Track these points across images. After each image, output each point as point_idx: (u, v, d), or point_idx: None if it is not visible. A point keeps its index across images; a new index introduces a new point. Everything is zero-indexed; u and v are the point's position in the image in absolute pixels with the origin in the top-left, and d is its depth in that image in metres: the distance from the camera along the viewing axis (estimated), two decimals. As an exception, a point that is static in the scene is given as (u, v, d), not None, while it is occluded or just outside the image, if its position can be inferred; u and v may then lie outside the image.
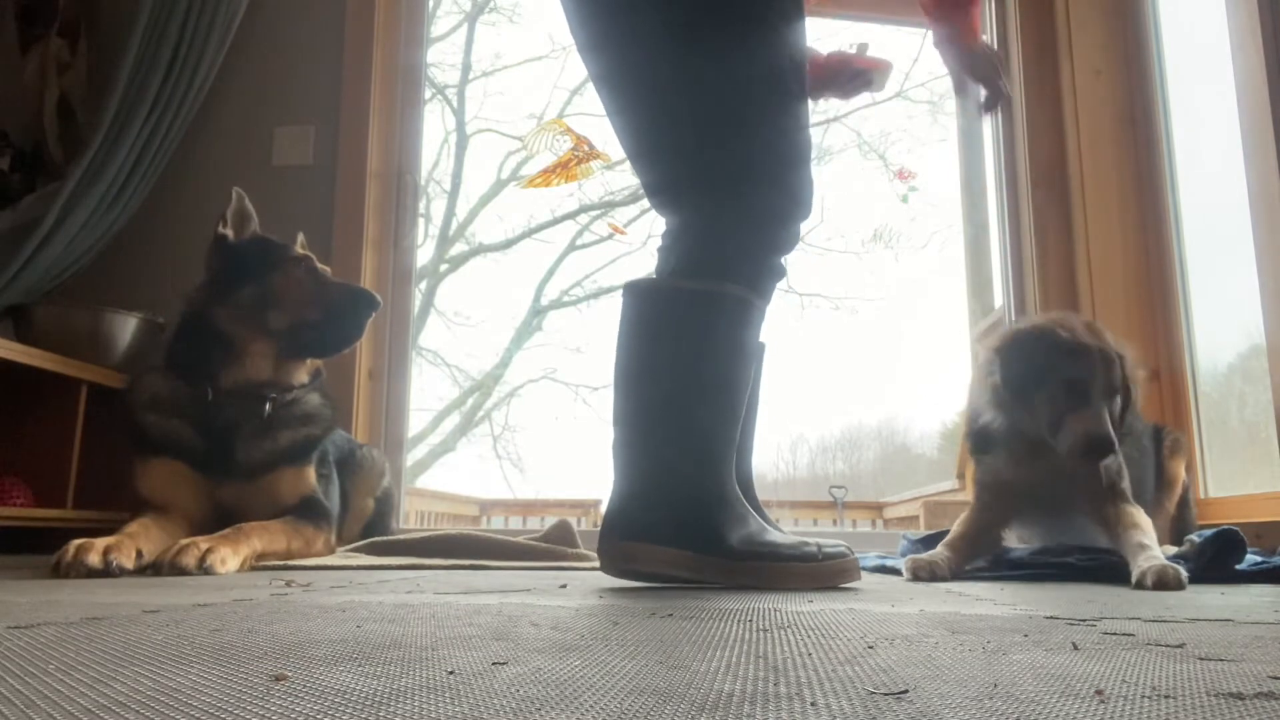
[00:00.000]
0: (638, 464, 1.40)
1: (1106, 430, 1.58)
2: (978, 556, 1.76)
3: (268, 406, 1.91)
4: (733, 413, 1.42)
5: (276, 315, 1.95)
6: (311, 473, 2.00)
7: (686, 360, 1.40)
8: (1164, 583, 1.35)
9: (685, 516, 1.35)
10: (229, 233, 2.02)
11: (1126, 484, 1.71)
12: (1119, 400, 1.67)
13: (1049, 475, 1.72)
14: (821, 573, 1.37)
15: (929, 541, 1.93)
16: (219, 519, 1.83)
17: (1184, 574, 1.37)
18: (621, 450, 1.42)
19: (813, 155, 1.57)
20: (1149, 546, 1.50)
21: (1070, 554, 1.73)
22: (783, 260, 1.53)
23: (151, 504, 1.81)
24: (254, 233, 2.07)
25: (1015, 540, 1.90)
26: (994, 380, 1.72)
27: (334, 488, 2.20)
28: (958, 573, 1.67)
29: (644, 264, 8.59)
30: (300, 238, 2.21)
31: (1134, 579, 1.41)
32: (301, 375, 2.02)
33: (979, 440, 1.83)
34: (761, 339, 1.71)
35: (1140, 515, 1.64)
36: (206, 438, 1.88)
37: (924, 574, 1.61)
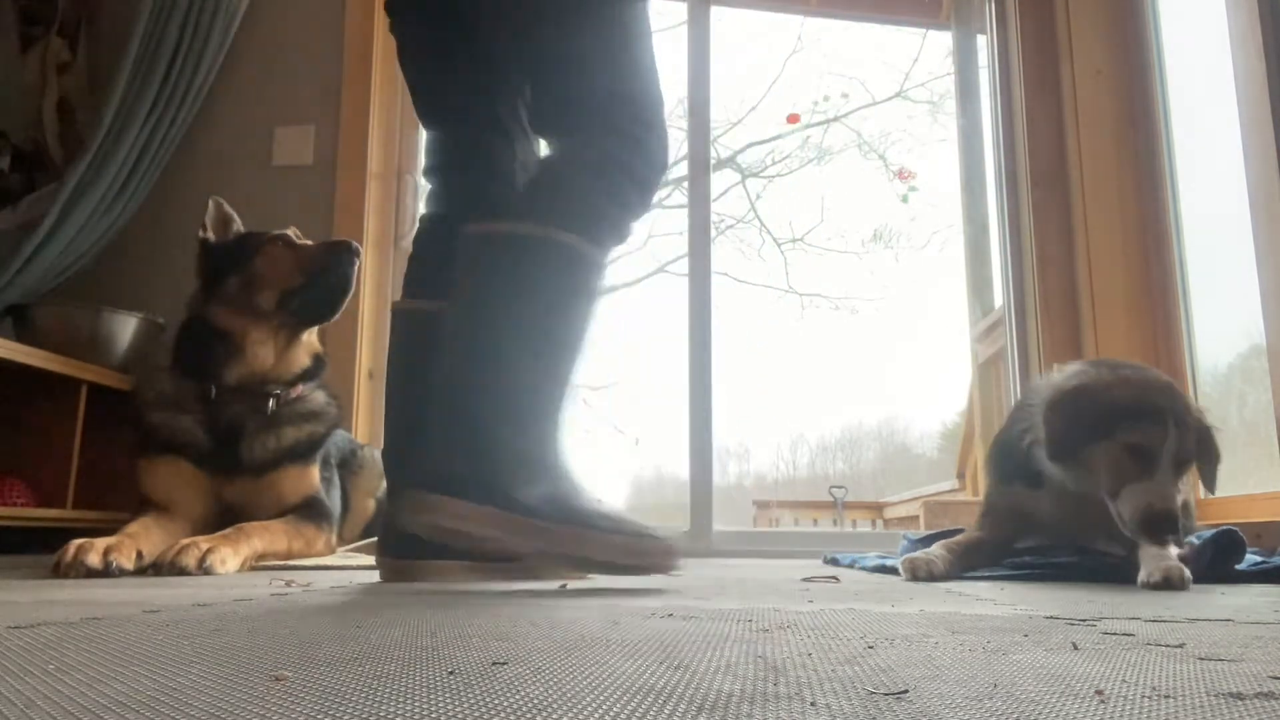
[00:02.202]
0: (451, 415, 1.30)
1: (1172, 506, 1.44)
2: (977, 565, 1.75)
3: (271, 403, 1.92)
4: (560, 372, 1.34)
5: (265, 295, 1.97)
6: (315, 472, 2.01)
7: (512, 310, 1.31)
8: (1169, 583, 1.35)
9: (493, 472, 1.26)
10: (210, 236, 2.05)
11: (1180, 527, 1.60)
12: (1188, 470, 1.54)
13: (1077, 512, 1.65)
14: (633, 549, 1.28)
15: (928, 541, 1.93)
16: (222, 518, 1.83)
17: (1189, 575, 1.37)
18: (437, 400, 1.32)
19: (662, 106, 1.51)
20: (1164, 550, 1.49)
21: (1073, 554, 1.73)
22: (633, 217, 1.45)
23: (155, 503, 1.82)
24: (236, 232, 2.09)
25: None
26: (1036, 438, 1.59)
27: (335, 489, 2.20)
28: (953, 573, 1.66)
29: (644, 264, 8.58)
30: (292, 230, 2.22)
31: (1140, 578, 1.41)
32: (303, 359, 2.03)
33: (1004, 469, 1.77)
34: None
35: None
36: (212, 435, 1.89)
37: (922, 573, 1.61)
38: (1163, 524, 1.43)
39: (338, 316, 2.09)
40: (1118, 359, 1.78)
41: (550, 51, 1.43)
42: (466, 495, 1.24)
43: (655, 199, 1.50)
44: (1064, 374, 1.66)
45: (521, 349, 1.30)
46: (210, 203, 2.10)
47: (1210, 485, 1.59)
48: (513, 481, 1.26)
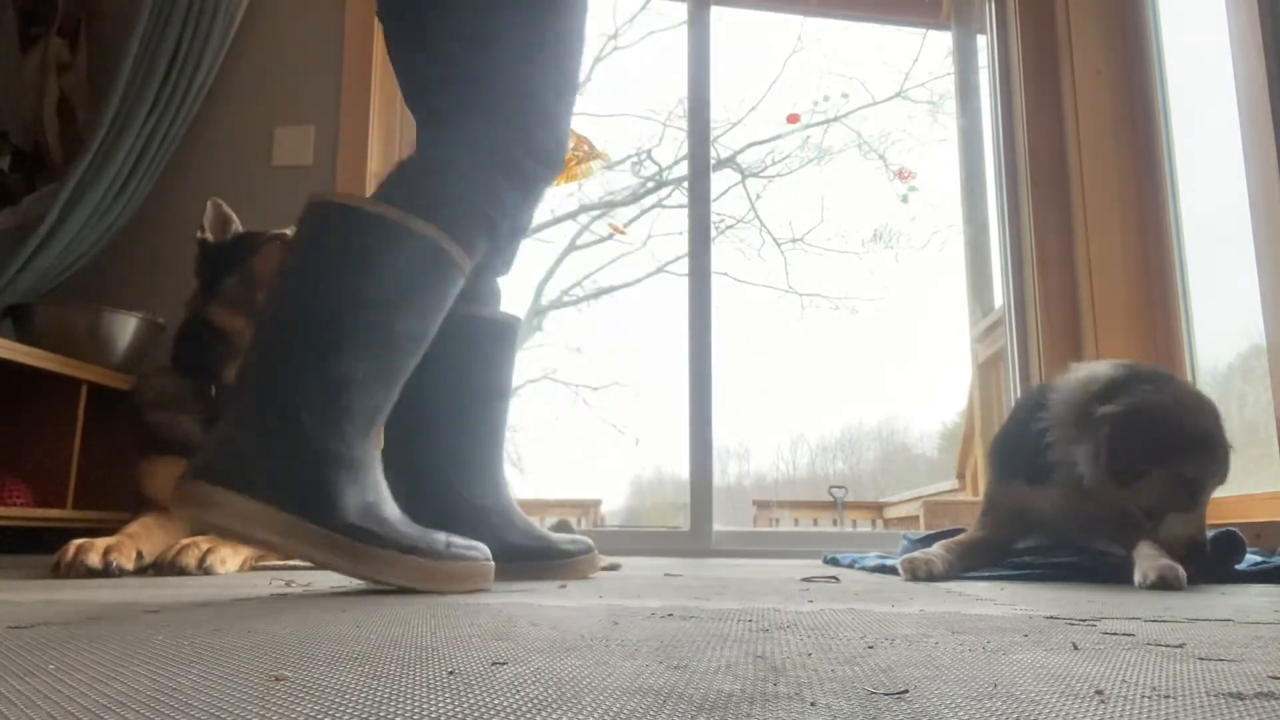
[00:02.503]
0: (253, 401, 1.15)
1: (1205, 536, 1.52)
2: (977, 565, 1.74)
3: None
4: (388, 372, 1.20)
5: (263, 295, 1.96)
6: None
7: (344, 296, 1.17)
8: (1164, 583, 1.35)
9: (289, 471, 1.11)
10: (209, 236, 2.06)
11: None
12: None
13: (1079, 509, 1.65)
14: (437, 572, 1.18)
15: (928, 542, 1.93)
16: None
17: (1183, 574, 1.37)
18: (244, 381, 1.17)
19: (569, 110, 1.43)
20: (1157, 549, 1.50)
21: (1072, 554, 1.73)
22: (508, 221, 1.37)
23: (156, 503, 1.82)
24: (235, 232, 2.10)
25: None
26: (1096, 454, 1.55)
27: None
28: (953, 573, 1.66)
29: (644, 264, 8.59)
30: (291, 230, 2.22)
31: (1136, 579, 1.41)
32: None
33: (1006, 467, 1.77)
34: (515, 314, 1.61)
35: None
36: None
37: (921, 572, 1.61)
38: (1198, 552, 1.51)
39: None
40: (1141, 363, 1.76)
41: (469, 27, 1.38)
42: (256, 492, 1.09)
43: (536, 208, 1.43)
44: (1093, 376, 1.65)
45: (351, 340, 1.17)
46: (209, 204, 2.10)
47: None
48: (316, 484, 1.12)
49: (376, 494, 1.18)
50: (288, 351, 1.16)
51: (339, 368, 1.15)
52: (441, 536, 1.22)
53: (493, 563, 1.27)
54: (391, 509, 1.19)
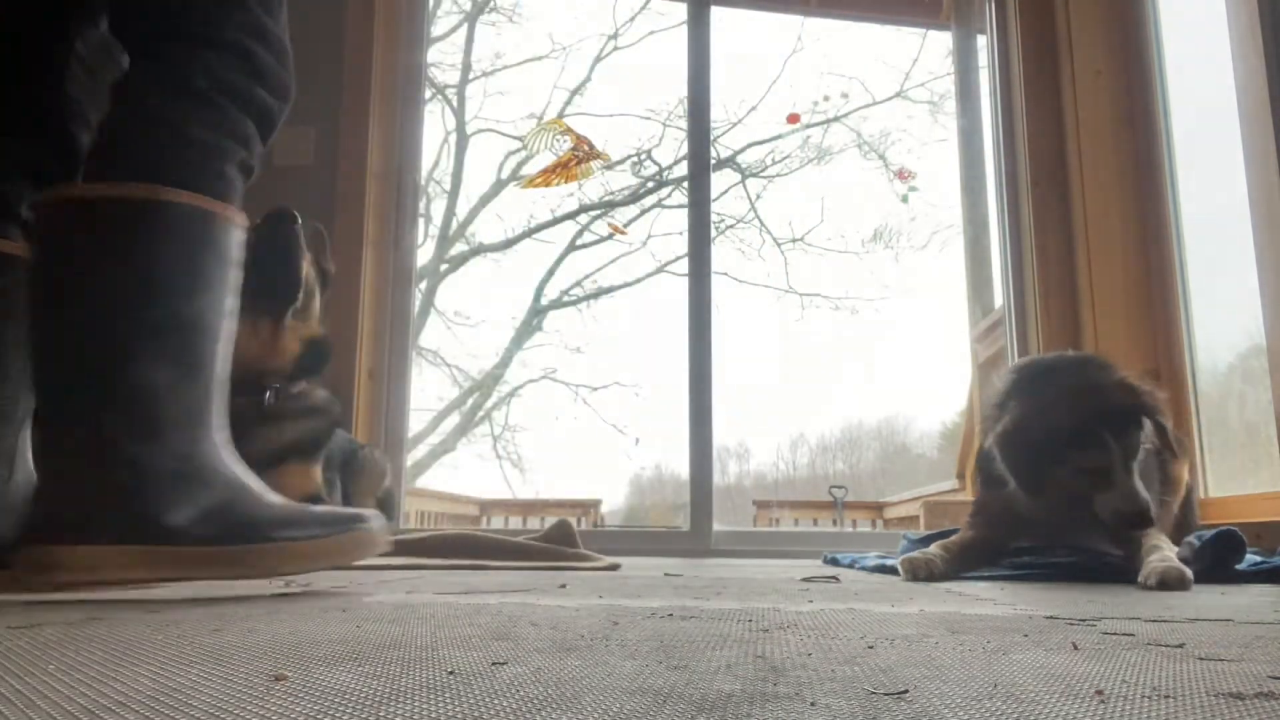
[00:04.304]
0: (66, 439, 1.06)
1: (1140, 505, 1.52)
2: (975, 565, 1.74)
3: (269, 396, 1.91)
4: (198, 360, 1.11)
5: None
6: (318, 471, 2.01)
7: (123, 299, 1.08)
8: (1167, 583, 1.35)
9: (129, 500, 1.03)
10: None
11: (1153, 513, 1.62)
12: (1145, 449, 1.60)
13: (1061, 511, 1.67)
14: (322, 550, 1.13)
15: (927, 542, 1.92)
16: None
17: (1189, 574, 1.37)
18: (46, 424, 1.08)
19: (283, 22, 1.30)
20: (1161, 548, 1.49)
21: (1072, 554, 1.73)
22: (255, 161, 1.22)
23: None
24: None
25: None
26: (1002, 472, 1.64)
27: (336, 491, 2.21)
28: (952, 573, 1.66)
29: (644, 264, 8.59)
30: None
31: (1140, 578, 1.41)
32: (293, 346, 1.97)
33: (992, 473, 1.76)
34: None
35: (1161, 536, 1.58)
36: None
37: (921, 572, 1.61)
38: (1135, 522, 1.53)
39: (302, 294, 1.99)
40: (1040, 357, 1.82)
41: None
42: (98, 536, 1.01)
43: (278, 129, 1.27)
44: (988, 394, 1.74)
45: (143, 343, 1.08)
46: None
47: (1171, 450, 1.69)
48: (159, 506, 1.04)
49: (235, 491, 1.11)
50: (83, 374, 1.06)
51: (140, 377, 1.07)
52: (320, 510, 1.16)
53: (384, 525, 1.21)
54: (255, 504, 1.12)
